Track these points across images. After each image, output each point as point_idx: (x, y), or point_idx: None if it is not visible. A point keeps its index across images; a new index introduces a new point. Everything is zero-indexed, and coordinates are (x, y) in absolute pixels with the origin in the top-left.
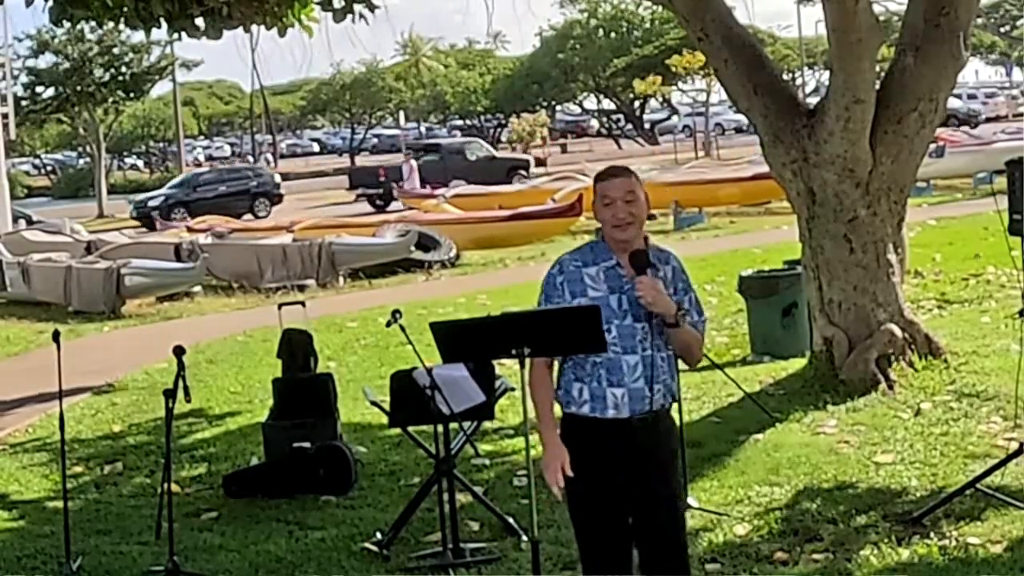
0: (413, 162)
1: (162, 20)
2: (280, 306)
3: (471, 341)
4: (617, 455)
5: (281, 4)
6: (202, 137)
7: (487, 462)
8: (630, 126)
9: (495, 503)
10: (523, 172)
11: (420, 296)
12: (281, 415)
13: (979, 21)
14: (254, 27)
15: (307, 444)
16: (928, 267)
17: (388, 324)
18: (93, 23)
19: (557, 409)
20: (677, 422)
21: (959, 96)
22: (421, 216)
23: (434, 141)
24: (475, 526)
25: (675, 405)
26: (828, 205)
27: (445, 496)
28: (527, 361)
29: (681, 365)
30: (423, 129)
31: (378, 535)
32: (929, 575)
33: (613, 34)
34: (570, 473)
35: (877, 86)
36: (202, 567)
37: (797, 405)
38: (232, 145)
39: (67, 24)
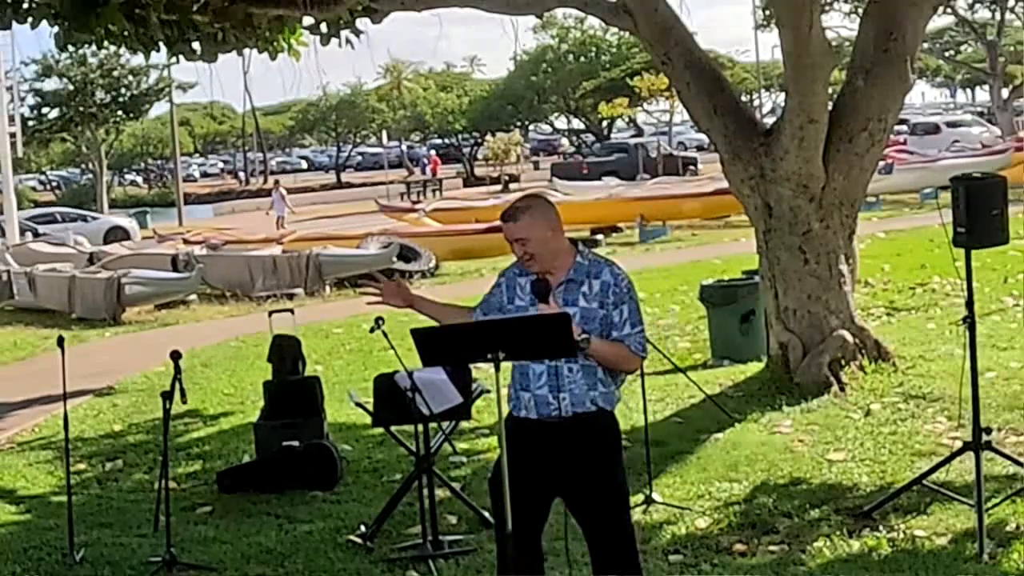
0: (283, 190)
1: (161, 44)
2: (270, 313)
3: (449, 346)
4: (534, 450)
5: (272, 29)
6: (197, 155)
7: (464, 460)
8: (598, 144)
9: (472, 498)
10: (692, 168)
11: None
12: (271, 415)
13: (925, 46)
14: (247, 51)
15: (296, 443)
16: (877, 277)
17: (372, 330)
18: (95, 47)
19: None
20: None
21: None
22: (403, 229)
23: (622, 142)
24: (453, 520)
25: (609, 409)
26: (784, 219)
27: (425, 492)
28: (495, 368)
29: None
30: (404, 147)
31: (362, 528)
32: (878, 565)
33: (583, 58)
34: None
35: (830, 107)
36: (197, 558)
37: (755, 406)
38: (225, 162)
39: (71, 48)
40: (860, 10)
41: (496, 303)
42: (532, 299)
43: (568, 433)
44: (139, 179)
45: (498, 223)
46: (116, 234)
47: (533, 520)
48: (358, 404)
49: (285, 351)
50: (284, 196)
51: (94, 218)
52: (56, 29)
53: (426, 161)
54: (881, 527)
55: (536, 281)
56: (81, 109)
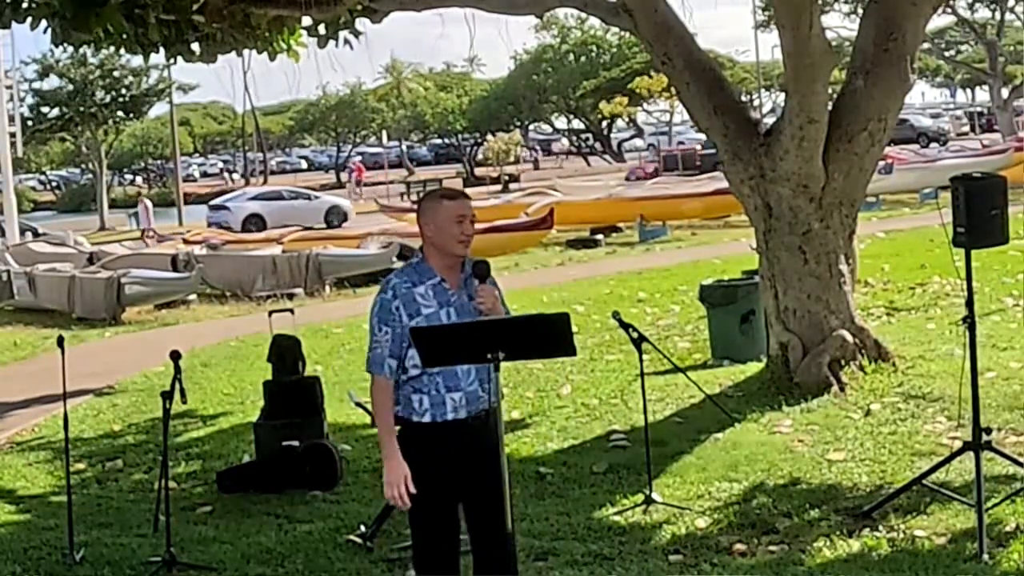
0: (148, 202)
1: (159, 45)
2: (270, 313)
3: (449, 345)
4: (452, 452)
5: (271, 30)
6: (197, 155)
7: None
8: (598, 144)
9: None
10: None
11: None
12: (271, 415)
13: (925, 46)
14: (246, 52)
15: (295, 443)
16: (877, 277)
17: None
18: (94, 48)
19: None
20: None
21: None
22: (403, 229)
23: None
24: None
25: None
26: (784, 219)
27: None
28: (493, 368)
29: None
30: (404, 147)
31: (362, 528)
32: (878, 565)
33: (583, 58)
34: (413, 490)
35: (829, 107)
36: (197, 558)
37: (754, 406)
38: (225, 162)
39: (70, 48)
40: (860, 10)
41: (401, 331)
42: (439, 303)
43: (485, 425)
44: (139, 179)
45: (499, 223)
46: (336, 212)
47: (450, 531)
48: (358, 404)
49: (285, 351)
50: (149, 209)
51: (316, 197)
52: (53, 25)
53: (352, 167)
54: (881, 527)
55: (479, 262)
56: (81, 109)
